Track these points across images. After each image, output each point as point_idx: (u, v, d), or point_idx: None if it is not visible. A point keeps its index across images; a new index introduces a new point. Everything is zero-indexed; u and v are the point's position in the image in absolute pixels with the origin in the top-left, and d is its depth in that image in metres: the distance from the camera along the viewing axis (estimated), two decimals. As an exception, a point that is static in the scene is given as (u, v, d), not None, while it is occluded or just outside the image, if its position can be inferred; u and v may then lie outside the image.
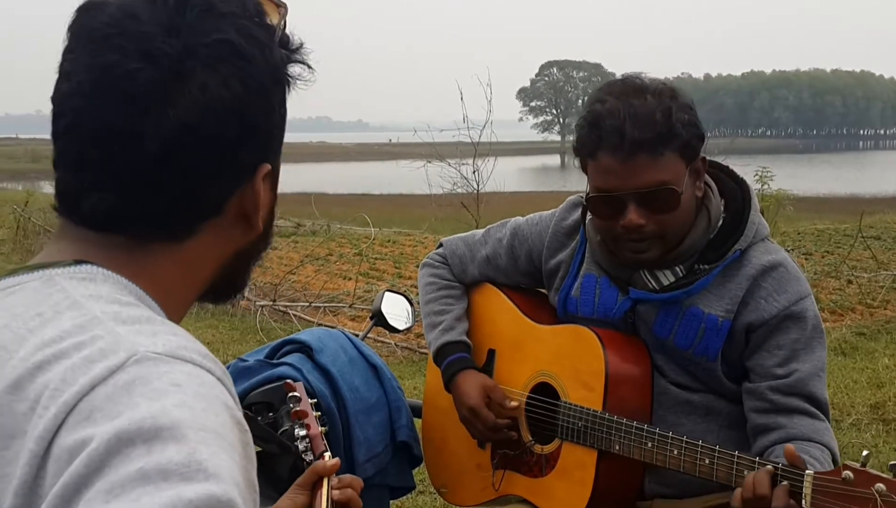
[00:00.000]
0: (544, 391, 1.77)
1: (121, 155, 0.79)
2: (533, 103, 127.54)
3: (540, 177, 41.07)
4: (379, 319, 2.15)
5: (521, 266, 1.88)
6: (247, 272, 0.95)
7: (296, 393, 1.46)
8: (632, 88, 1.57)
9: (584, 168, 1.64)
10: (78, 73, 0.79)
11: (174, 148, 0.78)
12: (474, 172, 9.54)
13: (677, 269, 1.65)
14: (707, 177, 1.68)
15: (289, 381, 1.52)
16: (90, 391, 0.67)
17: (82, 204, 0.81)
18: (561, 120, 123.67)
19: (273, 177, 0.89)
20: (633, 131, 1.52)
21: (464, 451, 1.91)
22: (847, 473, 1.32)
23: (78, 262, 0.80)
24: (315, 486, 1.31)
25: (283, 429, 1.57)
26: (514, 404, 1.79)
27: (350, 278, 8.90)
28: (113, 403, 0.67)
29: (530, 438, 1.77)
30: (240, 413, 0.73)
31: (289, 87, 0.88)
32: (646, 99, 1.54)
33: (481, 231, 1.97)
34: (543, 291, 1.91)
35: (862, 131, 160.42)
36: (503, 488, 1.82)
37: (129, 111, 0.78)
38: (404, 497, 2.66)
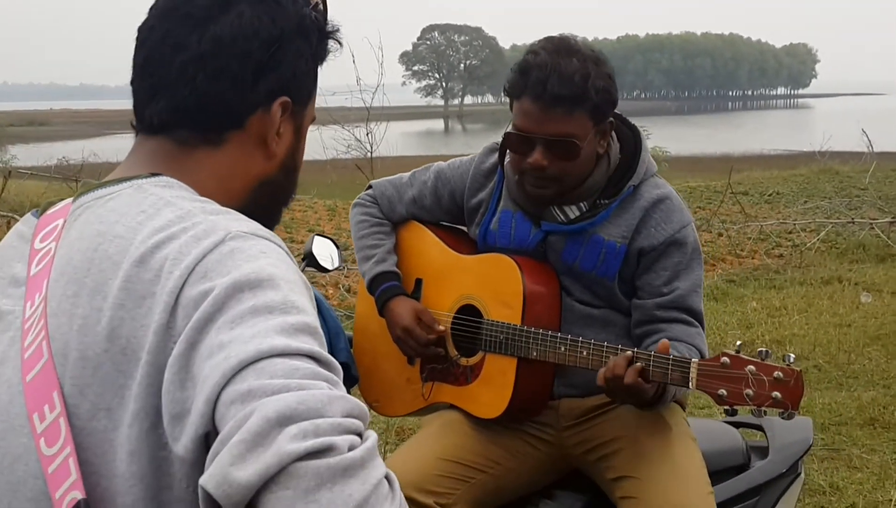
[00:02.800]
0: (468, 312, 2.01)
1: (170, 61, 1.02)
2: (415, 67, 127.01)
3: (425, 141, 41.27)
4: (310, 260, 2.33)
5: (445, 205, 2.11)
6: (275, 210, 1.15)
7: None
8: (564, 47, 1.81)
9: (511, 106, 1.88)
10: (157, 4, 1.06)
11: (207, 56, 1.01)
12: (367, 135, 9.65)
13: (582, 205, 1.91)
14: None
15: None
16: (203, 257, 0.90)
17: (145, 113, 1.04)
18: (444, 84, 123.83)
19: (296, 117, 1.10)
20: (553, 86, 1.76)
21: (394, 369, 2.13)
22: (725, 359, 1.63)
23: (153, 174, 1.02)
24: None
25: None
26: (441, 328, 2.03)
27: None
28: (222, 265, 0.89)
29: (456, 352, 2.02)
30: (303, 274, 0.97)
31: (316, 46, 1.10)
32: (572, 61, 1.78)
33: (407, 174, 2.18)
34: (463, 228, 2.14)
35: (731, 92, 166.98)
36: (432, 397, 2.06)
37: (183, 25, 1.02)
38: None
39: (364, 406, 0.84)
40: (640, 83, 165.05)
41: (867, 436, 4.04)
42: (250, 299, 0.86)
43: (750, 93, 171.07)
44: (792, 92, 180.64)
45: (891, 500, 3.34)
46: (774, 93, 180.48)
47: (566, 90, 1.77)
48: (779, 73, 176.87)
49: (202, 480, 0.77)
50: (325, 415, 0.79)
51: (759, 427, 2.22)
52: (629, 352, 1.70)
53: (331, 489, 0.75)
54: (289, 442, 0.75)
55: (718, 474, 1.97)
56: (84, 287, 0.93)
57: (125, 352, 0.89)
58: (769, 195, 12.35)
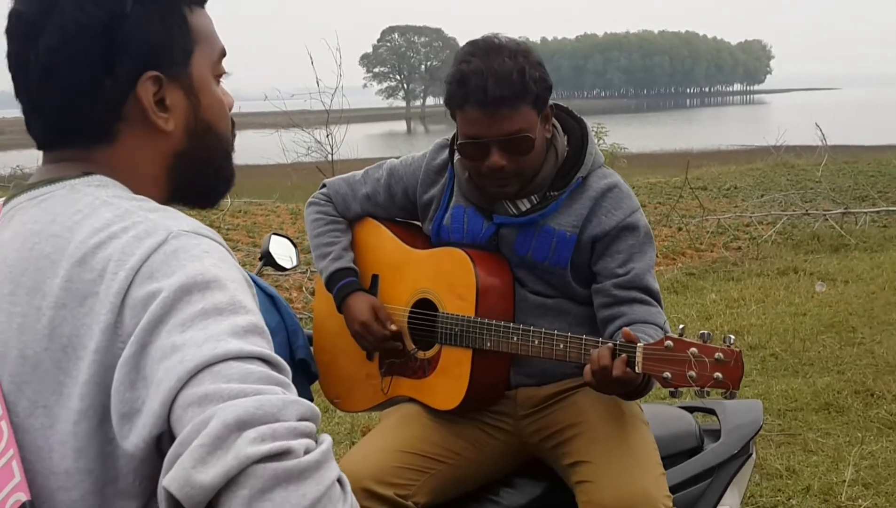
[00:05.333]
0: (424, 306, 2.03)
1: (24, 81, 1.01)
2: (377, 69, 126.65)
3: (388, 142, 41.19)
4: (268, 259, 2.34)
5: (398, 201, 2.13)
6: (210, 179, 1.11)
7: None
8: (491, 48, 1.85)
9: (454, 117, 1.91)
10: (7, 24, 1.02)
11: (48, 69, 0.98)
12: (328, 136, 9.62)
13: (533, 198, 1.95)
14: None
15: None
16: (147, 258, 0.90)
17: (31, 133, 1.04)
18: (405, 86, 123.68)
19: (179, 80, 1.03)
20: (494, 89, 1.80)
21: (353, 365, 2.15)
22: (668, 342, 1.67)
23: (86, 173, 1.01)
24: None
25: None
26: (393, 327, 2.05)
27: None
28: (167, 265, 0.90)
29: (413, 346, 2.04)
30: (244, 272, 0.98)
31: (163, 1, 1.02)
32: (504, 60, 1.81)
33: (360, 172, 2.20)
34: (417, 222, 2.17)
35: (689, 90, 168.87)
36: (391, 391, 2.09)
37: (23, 43, 0.99)
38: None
39: (316, 409, 0.86)
40: (599, 82, 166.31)
41: (822, 420, 4.14)
42: (199, 301, 0.88)
43: (707, 90, 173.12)
44: (748, 88, 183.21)
45: (844, 481, 3.43)
46: (731, 89, 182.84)
47: (507, 90, 1.81)
48: (735, 69, 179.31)
49: (165, 482, 0.79)
50: (281, 419, 0.81)
51: (712, 411, 2.28)
52: (610, 344, 1.73)
53: (286, 488, 0.78)
54: (248, 445, 0.78)
55: (673, 457, 2.03)
56: (21, 286, 0.94)
57: (66, 350, 0.90)
58: (727, 189, 12.50)
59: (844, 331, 5.55)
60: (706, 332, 1.66)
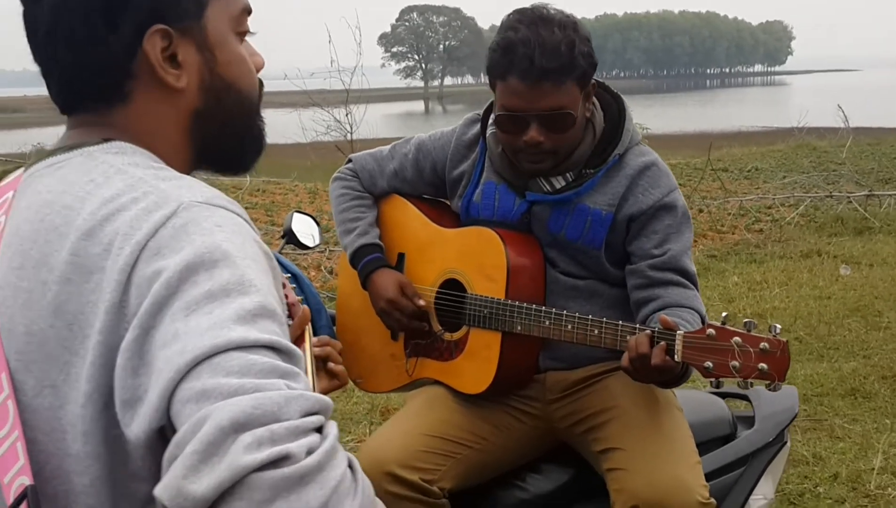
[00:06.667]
0: (451, 287, 1.98)
1: (34, 42, 0.98)
2: (395, 49, 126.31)
3: (406, 123, 41.09)
4: (290, 237, 2.29)
5: (427, 177, 2.08)
6: (235, 139, 1.06)
7: None
8: (540, 18, 1.77)
9: (493, 87, 1.84)
10: None
11: (55, 28, 0.95)
12: (347, 116, 9.57)
13: (568, 175, 1.89)
14: None
15: None
16: (155, 233, 0.85)
17: (52, 98, 1.01)
18: (423, 66, 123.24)
19: (192, 34, 0.99)
20: (541, 60, 1.72)
21: (378, 344, 2.10)
22: (710, 331, 1.60)
23: (106, 140, 0.96)
24: (298, 340, 1.44)
25: None
26: (421, 302, 2.00)
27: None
28: (175, 240, 0.84)
29: (440, 327, 1.99)
30: (264, 244, 0.92)
31: None
32: (553, 31, 1.74)
33: (387, 148, 2.14)
34: (445, 201, 2.12)
35: (709, 70, 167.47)
36: (416, 373, 2.04)
37: (30, 2, 0.98)
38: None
39: (324, 400, 0.80)
40: (619, 62, 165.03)
41: (848, 406, 4.07)
42: (206, 281, 0.82)
43: (727, 70, 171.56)
44: (769, 69, 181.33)
45: (873, 469, 3.36)
46: (751, 70, 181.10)
47: (555, 63, 1.74)
48: (755, 50, 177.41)
49: (157, 491, 0.74)
50: (281, 419, 0.75)
51: (745, 397, 2.22)
52: (648, 331, 1.67)
53: (287, 498, 0.72)
54: (243, 453, 0.72)
55: (705, 444, 1.97)
56: (29, 259, 0.90)
57: (71, 328, 0.86)
58: (748, 171, 12.37)
59: (870, 315, 5.47)
60: (750, 320, 1.60)
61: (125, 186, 0.90)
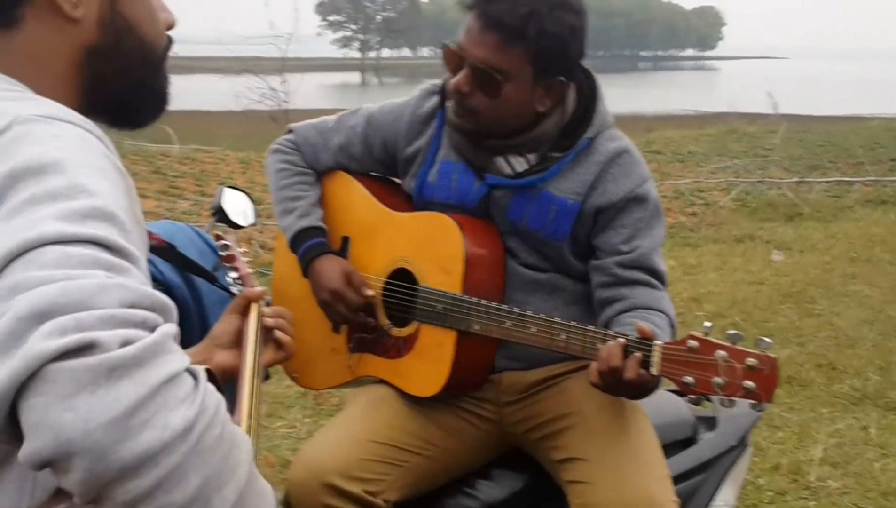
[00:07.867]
0: (401, 277, 1.81)
1: None
2: (332, 18, 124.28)
3: (341, 94, 40.45)
4: (220, 215, 2.09)
5: (376, 154, 1.90)
6: (132, 87, 0.99)
7: (225, 241, 1.58)
8: None
9: None
10: None
11: None
12: (282, 83, 9.28)
13: (531, 157, 1.73)
14: None
15: (217, 232, 1.64)
16: None
17: None
18: (360, 36, 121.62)
19: None
20: (498, 11, 1.58)
21: (317, 337, 1.92)
22: (692, 342, 1.44)
23: None
24: (245, 311, 1.38)
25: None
26: (370, 292, 1.83)
27: (149, 197, 8.48)
28: (4, 153, 0.77)
29: (387, 321, 1.82)
30: (120, 165, 0.84)
31: None
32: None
33: (332, 118, 1.95)
34: (396, 180, 1.94)
35: (642, 53, 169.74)
36: (359, 370, 1.86)
37: None
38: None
39: (161, 297, 0.73)
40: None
41: (786, 394, 4.06)
42: (32, 186, 0.75)
43: (661, 54, 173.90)
44: (700, 54, 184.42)
45: (812, 460, 3.35)
46: (684, 54, 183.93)
47: (508, 18, 1.59)
48: (688, 35, 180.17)
49: None
50: (92, 307, 0.68)
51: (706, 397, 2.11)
52: (622, 339, 1.51)
53: (94, 392, 0.65)
54: (40, 341, 0.66)
55: (664, 448, 1.84)
56: None
57: None
58: (682, 155, 12.48)
59: (803, 301, 5.52)
60: (735, 332, 1.44)
61: None
